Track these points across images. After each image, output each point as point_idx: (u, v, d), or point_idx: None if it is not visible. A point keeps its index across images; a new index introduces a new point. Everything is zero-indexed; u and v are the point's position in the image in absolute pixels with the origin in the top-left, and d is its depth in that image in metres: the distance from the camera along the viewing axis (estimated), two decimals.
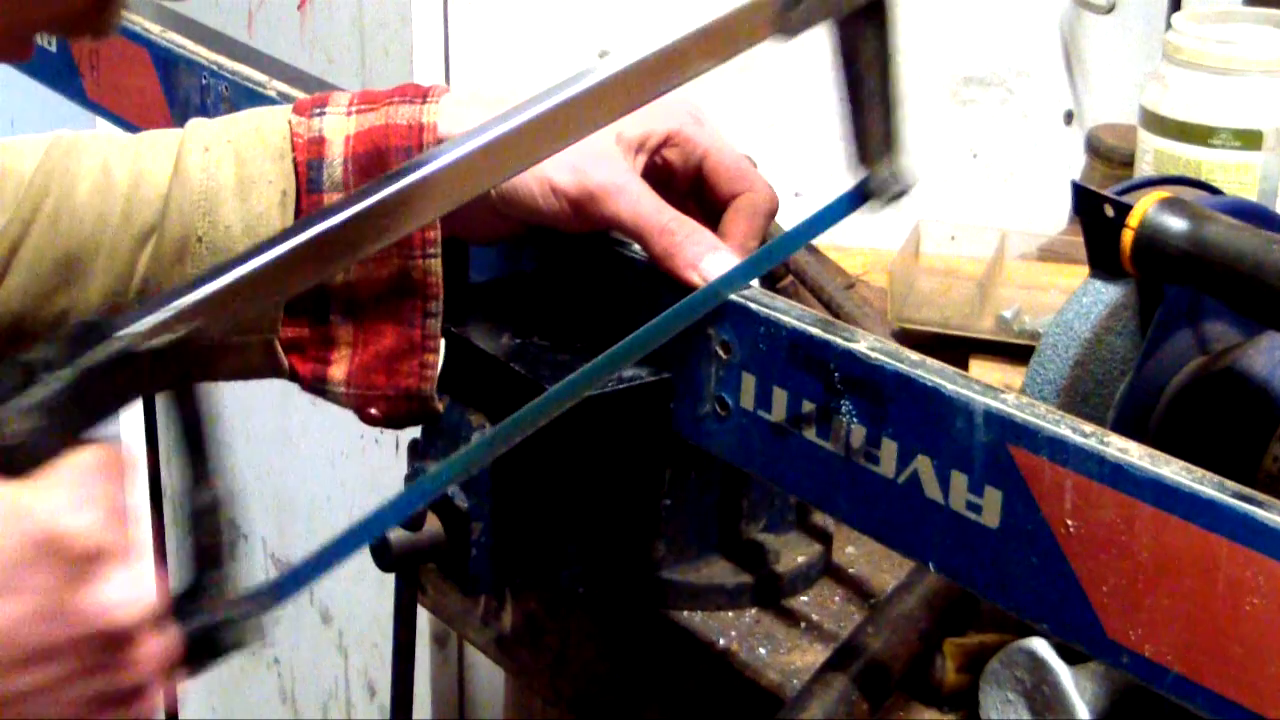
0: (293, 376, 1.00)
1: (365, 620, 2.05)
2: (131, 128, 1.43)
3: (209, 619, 0.74)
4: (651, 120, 0.99)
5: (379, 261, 0.96)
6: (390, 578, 1.16)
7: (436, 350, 0.99)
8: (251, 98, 1.23)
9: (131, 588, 0.69)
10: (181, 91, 1.31)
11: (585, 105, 0.80)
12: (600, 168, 0.96)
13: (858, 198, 0.90)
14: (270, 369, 0.99)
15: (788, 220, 1.36)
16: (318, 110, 0.98)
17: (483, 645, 1.36)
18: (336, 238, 0.76)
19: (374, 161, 0.95)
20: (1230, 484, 0.71)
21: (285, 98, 1.20)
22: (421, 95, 0.97)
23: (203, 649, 0.74)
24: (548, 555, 1.05)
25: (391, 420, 1.00)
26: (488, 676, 1.90)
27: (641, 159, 1.00)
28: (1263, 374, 0.95)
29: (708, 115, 1.03)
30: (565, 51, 1.67)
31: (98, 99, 1.45)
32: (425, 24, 1.64)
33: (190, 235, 0.97)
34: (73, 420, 0.70)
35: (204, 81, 1.28)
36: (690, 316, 0.91)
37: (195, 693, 2.41)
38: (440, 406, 1.00)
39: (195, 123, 1.01)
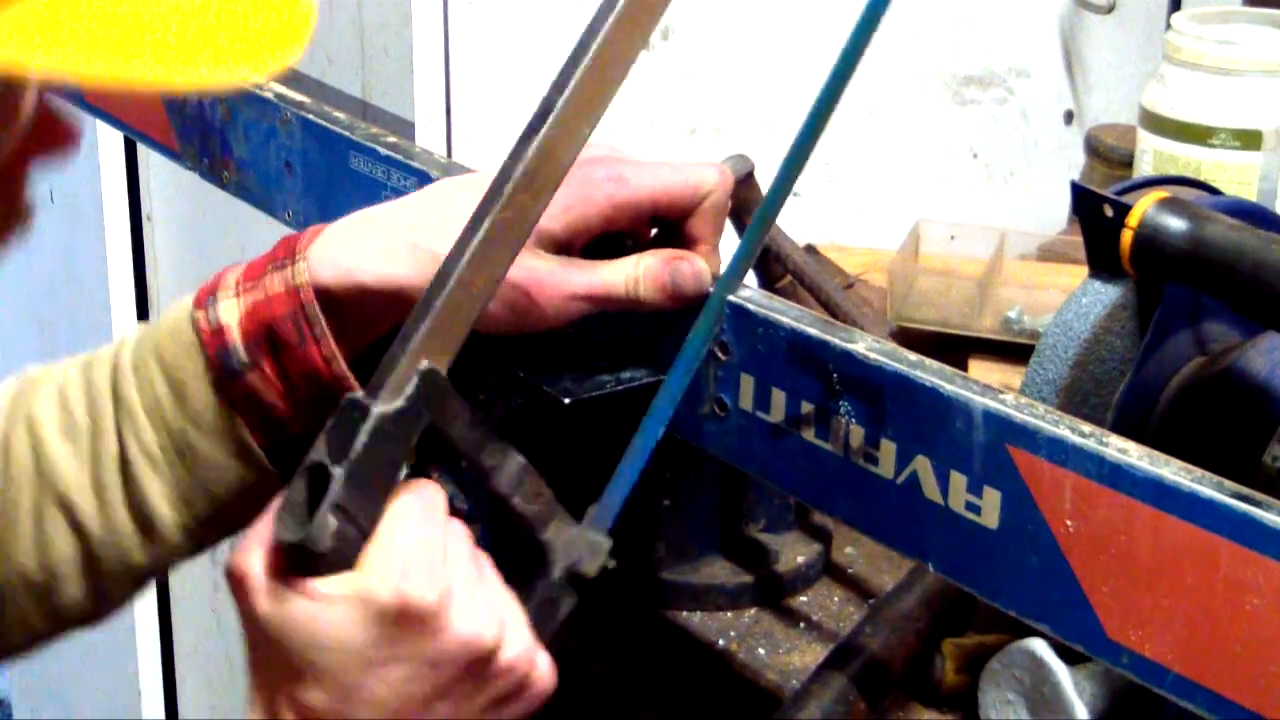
0: None
1: None
2: (130, 129, 1.43)
3: (545, 590, 0.82)
4: (577, 211, 0.93)
5: None
6: None
7: None
8: (249, 99, 1.23)
9: (479, 612, 0.78)
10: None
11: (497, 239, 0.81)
12: (538, 308, 0.92)
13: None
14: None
15: (787, 219, 1.37)
16: (211, 299, 0.96)
17: None
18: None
19: (267, 335, 0.93)
20: (1230, 484, 0.71)
21: (283, 99, 1.20)
22: (290, 253, 0.94)
23: (548, 616, 0.82)
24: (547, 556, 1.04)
25: None
26: None
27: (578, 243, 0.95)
28: (1262, 374, 0.95)
29: (622, 152, 0.96)
30: (565, 51, 1.67)
31: (96, 100, 1.45)
32: (425, 24, 1.64)
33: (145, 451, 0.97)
34: (367, 500, 0.77)
35: None
36: (710, 324, 0.89)
37: (195, 692, 2.41)
38: None
39: (119, 345, 1.00)
